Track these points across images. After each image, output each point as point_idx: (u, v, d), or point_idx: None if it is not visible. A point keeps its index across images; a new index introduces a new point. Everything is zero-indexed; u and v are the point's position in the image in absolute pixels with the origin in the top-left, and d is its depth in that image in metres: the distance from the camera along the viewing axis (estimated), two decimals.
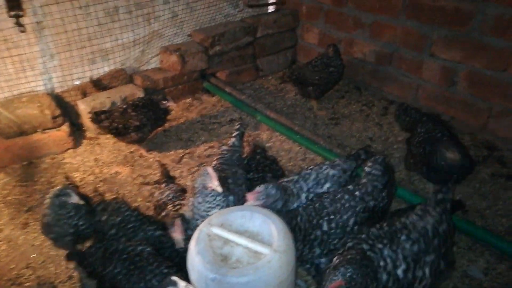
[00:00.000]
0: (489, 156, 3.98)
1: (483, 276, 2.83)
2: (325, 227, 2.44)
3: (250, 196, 2.41)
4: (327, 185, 2.72)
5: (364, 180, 2.68)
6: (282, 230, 2.14)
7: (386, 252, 2.01)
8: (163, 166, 3.65)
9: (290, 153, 4.23)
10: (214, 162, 2.98)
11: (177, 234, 2.45)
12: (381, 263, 1.97)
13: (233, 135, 3.31)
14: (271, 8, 5.94)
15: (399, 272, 1.97)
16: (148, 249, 2.44)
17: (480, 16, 3.89)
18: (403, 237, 2.09)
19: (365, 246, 2.06)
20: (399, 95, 4.94)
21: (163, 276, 2.20)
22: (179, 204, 2.92)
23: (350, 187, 2.64)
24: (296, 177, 2.79)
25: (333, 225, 2.45)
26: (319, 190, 2.69)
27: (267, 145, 4.34)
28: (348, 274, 1.81)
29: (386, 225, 2.20)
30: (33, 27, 4.14)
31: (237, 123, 3.41)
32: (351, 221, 2.49)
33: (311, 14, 5.64)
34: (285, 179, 2.83)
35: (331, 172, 2.77)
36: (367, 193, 2.59)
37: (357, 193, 2.57)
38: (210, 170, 2.47)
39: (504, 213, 3.32)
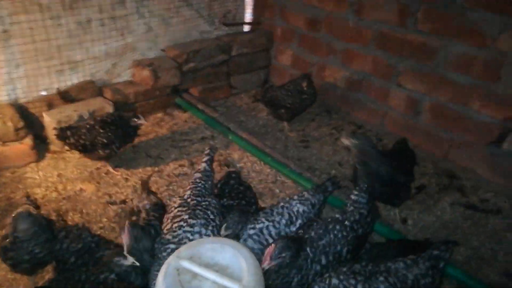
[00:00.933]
0: (450, 184, 4.17)
1: None
2: (323, 261, 2.46)
3: (266, 257, 2.28)
4: (299, 221, 2.75)
5: (351, 208, 2.75)
6: (252, 264, 2.14)
7: (358, 286, 2.06)
8: (142, 179, 3.56)
9: (261, 175, 4.25)
10: (188, 193, 2.93)
11: (126, 239, 2.41)
12: None
13: (204, 160, 3.28)
14: (246, 28, 6.01)
15: None
16: (111, 276, 2.37)
17: (444, 52, 4.10)
18: (381, 278, 2.16)
19: (334, 280, 2.12)
20: (367, 120, 5.11)
21: None
22: (153, 216, 2.91)
23: (338, 216, 2.69)
24: (274, 213, 2.79)
25: (330, 257, 2.48)
26: (292, 229, 2.71)
27: (238, 165, 4.35)
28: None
29: (371, 265, 2.27)
30: None
31: (207, 148, 3.38)
32: (345, 251, 2.54)
33: (286, 36, 5.75)
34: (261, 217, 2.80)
35: (301, 208, 2.81)
36: (355, 221, 2.67)
37: (347, 222, 2.63)
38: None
39: (462, 242, 3.47)
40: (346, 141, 3.17)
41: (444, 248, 2.41)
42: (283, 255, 2.23)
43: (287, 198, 2.99)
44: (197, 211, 2.71)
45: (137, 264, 2.36)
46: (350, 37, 4.93)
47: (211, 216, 2.72)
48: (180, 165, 4.33)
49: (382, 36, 4.61)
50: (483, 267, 3.24)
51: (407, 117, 4.66)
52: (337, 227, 2.58)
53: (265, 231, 2.64)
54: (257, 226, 2.66)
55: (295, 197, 2.94)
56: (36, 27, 4.10)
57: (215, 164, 4.28)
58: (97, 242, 2.73)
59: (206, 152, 3.35)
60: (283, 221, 2.72)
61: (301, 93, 4.71)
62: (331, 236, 2.54)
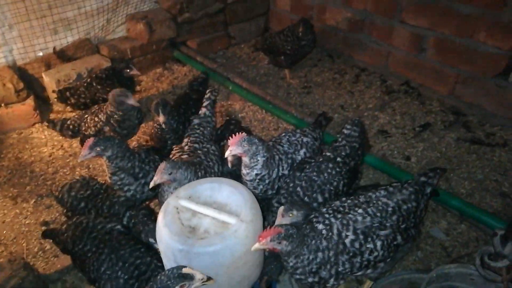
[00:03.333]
0: (455, 121, 4.10)
1: (444, 236, 2.99)
2: (320, 199, 2.51)
3: (231, 142, 2.40)
4: (303, 150, 2.77)
5: (343, 142, 2.75)
6: (249, 200, 2.18)
7: (335, 225, 2.11)
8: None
9: (263, 123, 4.24)
10: (185, 140, 2.93)
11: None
12: (323, 232, 2.08)
13: (204, 104, 3.17)
14: None
15: (347, 241, 2.07)
16: (117, 227, 2.45)
17: None
18: (359, 211, 2.17)
19: (314, 220, 2.17)
20: (370, 62, 4.96)
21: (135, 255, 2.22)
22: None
23: (329, 154, 2.70)
24: (270, 143, 2.82)
25: (326, 195, 2.53)
26: (297, 156, 2.73)
27: (240, 115, 4.33)
28: (291, 232, 1.97)
29: (351, 198, 2.28)
30: None
31: (208, 90, 3.25)
32: (341, 185, 2.59)
33: None
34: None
35: (305, 139, 2.83)
36: (347, 155, 2.69)
37: (338, 158, 2.65)
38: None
39: (466, 176, 3.47)
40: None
41: (432, 175, 2.39)
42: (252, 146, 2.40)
43: (289, 130, 3.00)
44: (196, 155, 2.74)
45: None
46: None
47: (210, 163, 2.74)
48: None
49: None
50: (487, 198, 3.25)
51: (412, 55, 4.51)
52: (330, 165, 2.59)
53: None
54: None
55: (298, 130, 2.96)
56: None
57: (217, 115, 4.29)
58: (105, 188, 2.81)
59: (206, 95, 3.20)
60: (283, 142, 2.77)
61: (299, 39, 4.57)
62: (325, 175, 2.55)
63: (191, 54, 5.21)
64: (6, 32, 4.14)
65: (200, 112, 3.18)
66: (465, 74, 4.12)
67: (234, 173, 2.86)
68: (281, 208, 2.29)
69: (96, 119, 3.40)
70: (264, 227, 2.16)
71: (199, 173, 2.58)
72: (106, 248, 2.25)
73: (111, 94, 3.28)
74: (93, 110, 3.51)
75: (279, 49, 4.68)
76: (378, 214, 2.15)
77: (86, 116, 3.50)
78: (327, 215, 2.16)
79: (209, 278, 1.79)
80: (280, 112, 4.19)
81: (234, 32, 5.67)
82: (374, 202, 2.21)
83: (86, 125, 3.44)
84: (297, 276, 2.11)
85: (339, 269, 2.05)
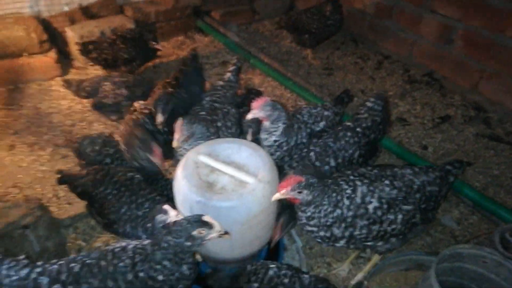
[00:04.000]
0: (476, 116, 4.05)
1: (455, 225, 2.98)
2: (332, 163, 2.51)
3: (255, 105, 2.39)
4: (323, 123, 2.77)
5: (365, 115, 2.74)
6: (268, 162, 2.18)
7: (360, 189, 2.10)
8: None
9: (282, 99, 4.22)
10: (207, 99, 2.94)
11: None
12: (348, 191, 2.08)
13: (230, 69, 3.22)
14: None
15: (370, 207, 2.07)
16: (138, 175, 2.47)
17: None
18: (386, 182, 2.17)
19: (338, 178, 2.16)
20: (394, 50, 4.89)
21: (155, 201, 2.24)
22: None
23: (349, 124, 2.69)
24: (291, 112, 2.82)
25: (339, 160, 2.54)
26: (316, 128, 2.72)
27: (259, 89, 4.31)
28: (311, 180, 1.96)
29: (377, 169, 2.28)
30: None
31: (234, 58, 3.29)
32: (356, 154, 2.59)
33: None
34: None
35: (325, 113, 2.82)
36: (367, 127, 2.68)
37: (358, 129, 2.64)
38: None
39: (482, 170, 3.44)
40: None
41: (457, 165, 2.39)
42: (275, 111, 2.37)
43: (310, 105, 2.99)
44: (217, 112, 2.74)
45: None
46: None
47: (228, 124, 2.74)
48: None
49: None
50: (501, 193, 3.22)
51: (438, 46, 4.43)
52: (348, 133, 2.59)
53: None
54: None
55: (319, 104, 2.95)
56: None
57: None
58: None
59: (232, 62, 3.28)
60: (304, 113, 2.77)
61: (326, 18, 4.51)
62: (342, 142, 2.56)
63: (214, 25, 5.16)
64: None
65: (224, 76, 3.19)
66: (490, 70, 4.05)
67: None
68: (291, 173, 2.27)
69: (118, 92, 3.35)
70: None
71: (211, 130, 2.57)
72: (127, 191, 2.27)
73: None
74: (114, 79, 3.43)
75: (304, 27, 4.62)
76: (404, 189, 2.15)
77: (106, 83, 3.41)
78: (352, 177, 2.15)
79: (226, 232, 1.80)
80: (300, 90, 4.16)
81: (259, 7, 5.60)
82: (400, 177, 2.21)
83: (104, 93, 3.37)
84: (309, 228, 2.11)
85: (355, 233, 2.06)
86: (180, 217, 2.28)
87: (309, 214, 2.05)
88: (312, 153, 2.53)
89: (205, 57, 4.84)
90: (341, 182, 2.12)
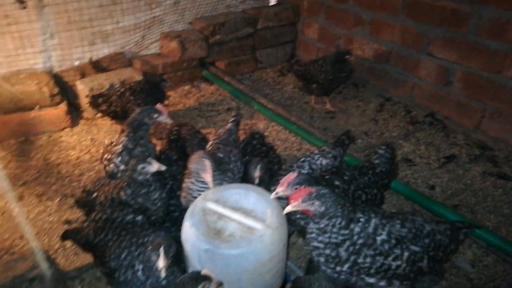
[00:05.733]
0: (481, 155, 4.05)
1: (470, 267, 2.89)
2: (363, 198, 2.59)
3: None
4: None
5: (377, 161, 2.84)
6: (276, 208, 2.18)
7: (373, 220, 2.09)
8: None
9: (286, 143, 4.27)
10: (210, 142, 2.99)
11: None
12: (361, 219, 2.06)
13: (230, 121, 3.35)
14: (272, 1, 5.99)
15: (379, 238, 2.05)
16: (139, 217, 2.45)
17: (477, 18, 3.95)
18: (397, 221, 2.16)
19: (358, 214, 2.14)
20: (395, 92, 5.01)
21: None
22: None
23: (368, 164, 2.81)
24: (294, 167, 2.83)
25: (369, 196, 2.60)
26: None
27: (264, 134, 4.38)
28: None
29: (389, 212, 2.30)
30: (34, 4, 4.12)
31: (234, 112, 3.47)
32: (379, 196, 2.69)
33: (312, 9, 5.69)
34: (281, 172, 2.88)
35: (324, 161, 2.86)
36: (383, 172, 2.78)
37: (378, 169, 2.75)
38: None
39: (492, 209, 3.39)
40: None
41: (467, 225, 2.38)
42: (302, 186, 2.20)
43: (308, 153, 3.01)
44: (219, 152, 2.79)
45: (163, 168, 2.42)
46: (378, 6, 4.83)
47: (233, 158, 2.77)
48: (207, 133, 4.38)
49: (412, 3, 4.48)
50: None
51: (438, 87, 4.54)
52: (370, 171, 2.66)
53: None
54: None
55: (316, 151, 2.97)
56: None
57: (240, 133, 4.35)
58: None
59: (233, 114, 3.41)
60: (305, 169, 2.77)
61: (341, 71, 4.49)
62: (365, 178, 2.62)
63: (218, 74, 5.35)
64: (48, 40, 4.35)
65: (225, 126, 3.29)
66: (492, 109, 4.11)
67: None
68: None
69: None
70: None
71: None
72: (128, 235, 2.24)
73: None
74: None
75: (312, 77, 4.68)
76: (413, 231, 2.14)
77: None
78: (366, 209, 2.14)
79: (221, 283, 1.81)
80: (304, 133, 4.22)
81: (261, 56, 5.83)
82: (411, 220, 2.21)
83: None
84: (316, 244, 2.03)
85: (359, 260, 2.00)
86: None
87: (322, 225, 2.01)
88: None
89: (210, 105, 4.98)
90: (356, 211, 2.12)
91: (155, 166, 2.41)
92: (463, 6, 4.04)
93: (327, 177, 2.59)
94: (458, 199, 3.51)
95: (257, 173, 2.56)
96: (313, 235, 2.05)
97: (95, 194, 2.68)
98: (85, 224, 2.45)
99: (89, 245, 2.39)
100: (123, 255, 2.15)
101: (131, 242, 2.18)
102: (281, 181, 2.17)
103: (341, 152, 3.01)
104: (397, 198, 3.50)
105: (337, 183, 2.56)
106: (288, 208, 2.00)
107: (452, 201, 3.49)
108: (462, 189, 3.63)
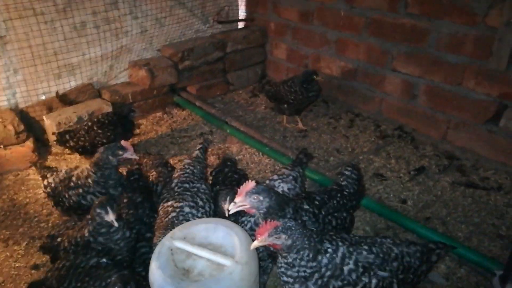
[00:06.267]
0: (449, 165, 4.15)
1: (444, 281, 2.93)
2: (334, 223, 2.57)
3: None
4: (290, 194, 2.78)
5: (344, 182, 2.85)
6: (245, 241, 2.16)
7: (341, 249, 2.08)
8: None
9: (260, 165, 4.28)
10: (175, 181, 2.95)
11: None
12: (329, 249, 2.04)
13: (197, 148, 3.37)
14: (240, 25, 6.07)
15: (346, 269, 2.04)
16: (103, 260, 2.39)
17: (436, 33, 4.10)
18: (365, 247, 2.16)
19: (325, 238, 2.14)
20: (364, 108, 5.11)
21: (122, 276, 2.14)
22: None
23: (336, 186, 2.81)
24: None
25: (339, 221, 2.59)
26: None
27: (237, 157, 4.38)
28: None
29: (358, 236, 2.31)
30: None
31: (201, 140, 3.47)
32: (348, 219, 2.67)
33: (279, 30, 5.79)
34: None
35: (286, 187, 2.85)
36: (351, 193, 2.78)
37: (346, 192, 2.75)
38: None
39: (463, 219, 3.46)
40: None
41: (442, 247, 2.41)
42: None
43: (267, 180, 2.99)
44: (185, 196, 2.74)
45: (115, 225, 2.40)
46: (342, 26, 4.95)
47: (200, 203, 2.73)
48: (180, 160, 4.36)
49: (374, 22, 4.62)
50: (485, 241, 3.22)
51: (404, 101, 4.66)
52: (339, 194, 2.67)
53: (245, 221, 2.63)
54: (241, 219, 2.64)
55: (275, 176, 2.97)
56: (32, 32, 4.19)
57: (213, 158, 4.35)
58: None
59: (199, 142, 3.44)
60: None
61: (308, 91, 4.52)
62: (334, 202, 2.62)
63: (190, 99, 5.35)
64: (11, 76, 4.27)
65: (192, 154, 3.28)
66: (456, 120, 4.24)
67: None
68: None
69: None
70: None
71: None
72: (91, 280, 2.18)
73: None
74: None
75: (283, 97, 4.70)
76: (381, 255, 2.14)
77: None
78: (334, 237, 2.13)
79: None
80: (277, 155, 4.24)
81: (232, 78, 5.87)
82: (379, 243, 2.21)
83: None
84: (285, 278, 2.01)
85: None
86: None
87: (290, 260, 1.97)
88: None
89: (183, 130, 4.96)
90: (324, 241, 2.10)
91: (110, 217, 2.39)
92: (422, 23, 4.19)
93: (298, 201, 2.59)
94: (429, 212, 3.57)
95: (226, 205, 2.54)
96: (282, 269, 2.02)
97: (59, 239, 2.61)
98: (49, 274, 2.37)
99: None
100: None
101: (94, 287, 2.13)
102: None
103: (300, 171, 3.05)
104: (371, 215, 3.53)
105: (306, 207, 2.56)
106: (255, 244, 1.96)
107: (424, 213, 3.55)
108: (433, 201, 3.70)
